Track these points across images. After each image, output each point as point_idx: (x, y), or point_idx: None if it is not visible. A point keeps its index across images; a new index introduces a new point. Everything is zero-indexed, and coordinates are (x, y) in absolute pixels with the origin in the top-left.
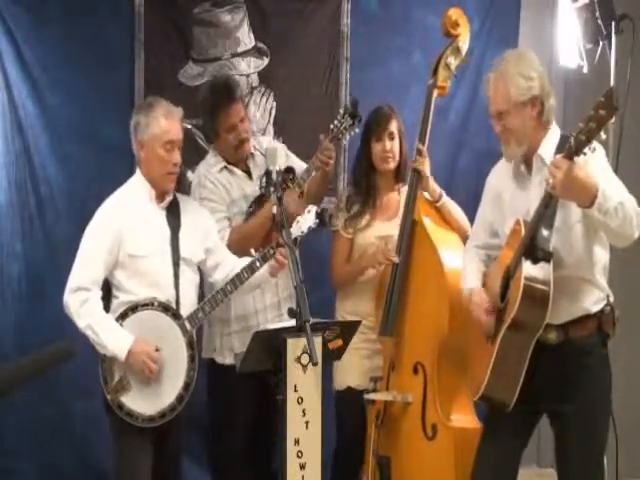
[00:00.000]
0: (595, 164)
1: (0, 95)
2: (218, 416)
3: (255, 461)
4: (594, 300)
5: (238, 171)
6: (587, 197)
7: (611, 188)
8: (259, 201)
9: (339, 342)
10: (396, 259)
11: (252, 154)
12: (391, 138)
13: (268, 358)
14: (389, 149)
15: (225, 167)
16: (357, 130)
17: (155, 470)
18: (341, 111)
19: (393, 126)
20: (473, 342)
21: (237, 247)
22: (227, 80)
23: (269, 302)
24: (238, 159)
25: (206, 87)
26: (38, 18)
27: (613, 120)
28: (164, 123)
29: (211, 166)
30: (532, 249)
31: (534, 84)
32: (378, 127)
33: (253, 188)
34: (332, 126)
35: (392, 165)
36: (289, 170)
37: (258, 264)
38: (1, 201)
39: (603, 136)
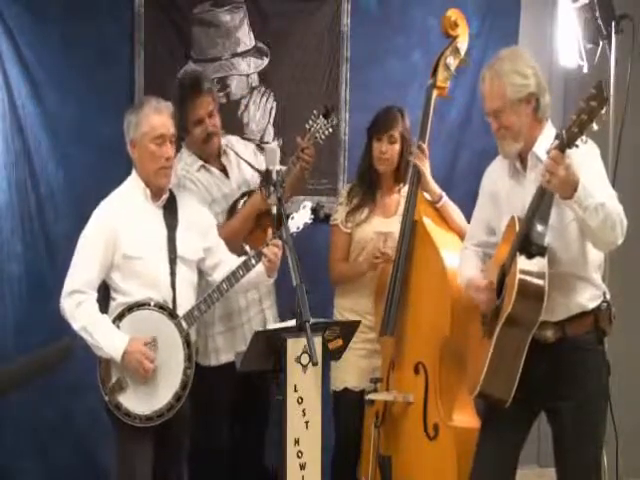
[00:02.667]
0: (589, 161)
1: (0, 95)
2: (199, 417)
3: (243, 461)
4: (590, 297)
5: (215, 170)
6: (568, 189)
7: (596, 188)
8: (249, 197)
9: (339, 342)
10: (389, 251)
11: (224, 151)
12: (391, 142)
13: (268, 358)
14: (384, 151)
15: (203, 166)
16: (331, 130)
17: (156, 470)
18: (315, 112)
19: (395, 130)
20: (471, 339)
21: (225, 244)
22: (194, 74)
23: (250, 299)
24: (208, 154)
25: (175, 84)
26: (38, 18)
27: (604, 111)
28: (153, 119)
29: (188, 165)
30: (526, 244)
31: (530, 81)
32: (379, 128)
33: (231, 187)
34: (307, 125)
35: (387, 168)
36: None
37: (253, 261)
38: (1, 201)
39: (595, 127)
